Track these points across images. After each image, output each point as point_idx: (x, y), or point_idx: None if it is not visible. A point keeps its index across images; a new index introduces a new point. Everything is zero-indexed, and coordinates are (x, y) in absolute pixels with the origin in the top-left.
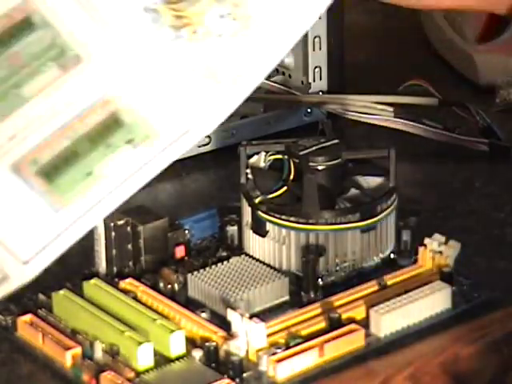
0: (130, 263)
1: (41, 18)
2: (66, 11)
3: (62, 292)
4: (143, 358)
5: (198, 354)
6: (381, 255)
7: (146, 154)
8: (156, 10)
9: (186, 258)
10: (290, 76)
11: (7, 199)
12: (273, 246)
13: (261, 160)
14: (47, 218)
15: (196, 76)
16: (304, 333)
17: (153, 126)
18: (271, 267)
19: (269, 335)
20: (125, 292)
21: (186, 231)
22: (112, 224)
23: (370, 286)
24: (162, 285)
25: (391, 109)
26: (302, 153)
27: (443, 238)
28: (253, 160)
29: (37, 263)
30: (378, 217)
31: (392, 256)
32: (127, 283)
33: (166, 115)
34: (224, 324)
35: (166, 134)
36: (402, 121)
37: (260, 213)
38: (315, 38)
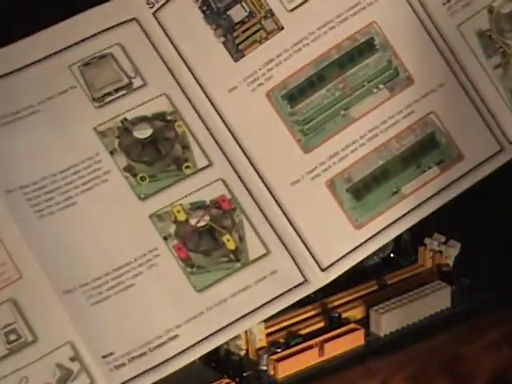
0: None
1: (382, 40)
2: (403, 33)
3: None
4: None
5: None
6: (381, 255)
7: (452, 177)
8: (489, 37)
9: None
10: None
11: (318, 211)
12: None
13: None
14: (349, 232)
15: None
16: (304, 332)
17: (461, 148)
18: None
19: (269, 335)
20: None
21: None
22: None
23: (370, 286)
24: None
25: None
26: None
27: (443, 238)
28: None
29: (333, 271)
30: None
31: (392, 256)
32: None
33: (473, 138)
34: None
35: (472, 156)
36: None
37: None
38: None
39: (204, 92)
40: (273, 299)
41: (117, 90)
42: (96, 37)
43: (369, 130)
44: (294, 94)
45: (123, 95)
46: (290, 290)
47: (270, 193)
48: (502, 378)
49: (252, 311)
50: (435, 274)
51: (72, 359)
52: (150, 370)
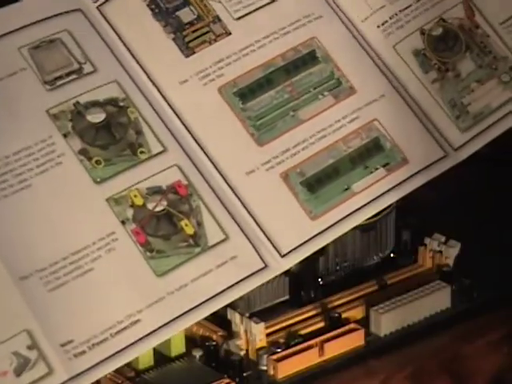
0: None
1: (323, 53)
2: (345, 49)
3: None
4: (143, 358)
5: (198, 353)
6: (381, 255)
7: (398, 178)
8: (424, 55)
9: None
10: None
11: (275, 201)
12: None
13: None
14: (305, 222)
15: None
16: (304, 332)
17: (405, 153)
18: None
19: (269, 335)
20: None
21: None
22: None
23: (370, 286)
24: None
25: None
26: None
27: (443, 238)
28: None
29: (292, 257)
30: (378, 217)
31: (392, 256)
32: None
33: (416, 145)
34: (224, 323)
35: (417, 161)
36: None
37: None
38: None
39: (154, 83)
40: (234, 284)
41: (68, 75)
42: (44, 21)
43: (317, 131)
44: (245, 93)
45: (74, 79)
46: (251, 275)
47: (226, 181)
48: (502, 378)
49: (214, 296)
50: (435, 274)
51: (29, 347)
52: (111, 356)
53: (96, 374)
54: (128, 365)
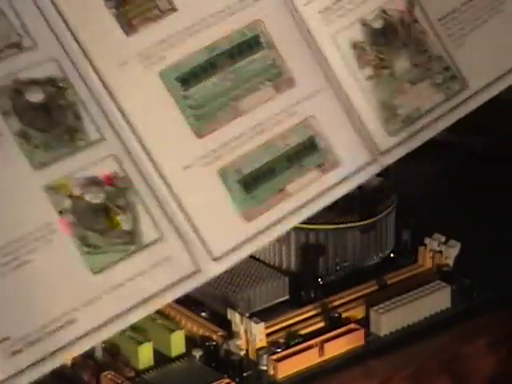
0: None
1: (267, 39)
2: (288, 36)
3: None
4: (143, 358)
5: (198, 353)
6: (381, 255)
7: (330, 181)
8: (362, 48)
9: None
10: None
11: (210, 200)
12: (273, 245)
13: None
14: (240, 223)
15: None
16: (304, 332)
17: (337, 154)
18: (271, 267)
19: (269, 335)
20: None
21: None
22: None
23: (370, 286)
24: None
25: None
26: None
27: (443, 238)
28: None
29: (225, 261)
30: (378, 216)
31: (392, 256)
32: None
33: (347, 146)
34: (224, 323)
35: (348, 164)
36: None
37: None
38: None
39: (92, 64)
40: (168, 287)
41: (7, 47)
42: None
43: (256, 125)
44: (187, 78)
45: (14, 54)
46: (183, 278)
47: (161, 175)
48: (501, 378)
49: (148, 298)
50: (435, 274)
51: None
52: (47, 356)
53: (32, 375)
54: (128, 365)
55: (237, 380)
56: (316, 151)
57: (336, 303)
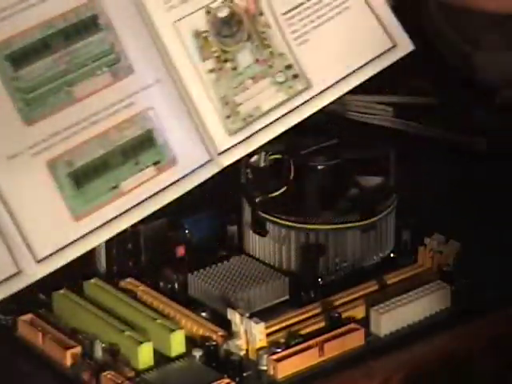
0: (130, 263)
1: (106, 20)
2: (127, 19)
3: (62, 291)
4: (143, 358)
5: (198, 353)
6: (381, 255)
7: (166, 180)
8: (206, 39)
9: (186, 257)
10: None
11: (36, 194)
12: (273, 245)
13: (261, 160)
14: (68, 222)
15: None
16: (304, 332)
17: (175, 151)
18: (271, 267)
19: (269, 335)
20: (125, 291)
21: (186, 231)
22: None
23: (370, 286)
24: (162, 284)
25: (391, 109)
26: (301, 152)
27: (443, 238)
28: (253, 160)
29: (49, 264)
30: (378, 216)
31: (392, 255)
32: (127, 283)
33: (185, 144)
34: (224, 323)
35: (185, 163)
36: (402, 120)
37: (260, 212)
38: None
39: None
40: None
41: None
42: None
43: (91, 114)
44: (18, 57)
45: None
46: (4, 281)
47: None
48: (501, 378)
49: None
50: (435, 274)
51: None
52: None
53: None
54: (128, 365)
55: (237, 380)
56: (153, 147)
57: (336, 303)
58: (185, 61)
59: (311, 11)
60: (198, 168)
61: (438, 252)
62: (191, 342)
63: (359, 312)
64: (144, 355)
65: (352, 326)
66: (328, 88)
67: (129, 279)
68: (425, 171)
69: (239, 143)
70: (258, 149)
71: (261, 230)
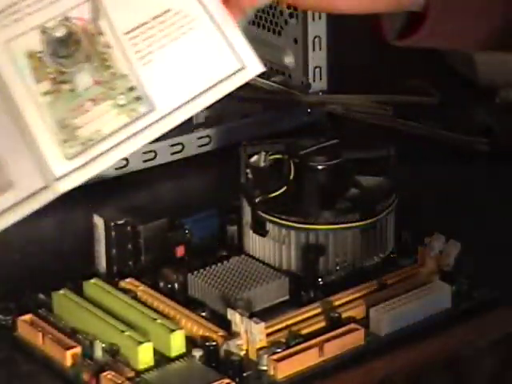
0: (130, 263)
1: None
2: None
3: (61, 292)
4: (143, 358)
5: (198, 353)
6: (381, 255)
7: (4, 204)
8: (40, 59)
9: (186, 257)
10: (290, 76)
11: None
12: (273, 245)
13: (261, 160)
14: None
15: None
16: (304, 332)
17: (12, 176)
18: (271, 267)
19: (269, 335)
20: (125, 292)
21: (186, 231)
22: (112, 224)
23: (370, 286)
24: (162, 284)
25: (391, 109)
26: (301, 152)
27: (443, 238)
28: (253, 160)
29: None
30: (378, 217)
31: (392, 256)
32: (127, 283)
33: (24, 168)
34: (224, 323)
35: (23, 187)
36: (402, 120)
37: (260, 212)
38: (315, 38)
39: None
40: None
41: None
42: None
43: None
44: None
45: None
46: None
47: None
48: (501, 378)
49: None
50: (435, 274)
51: None
52: None
53: None
54: (128, 365)
55: (237, 380)
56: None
57: (336, 303)
58: (17, 82)
59: (155, 31)
60: (33, 193)
61: (438, 252)
62: (191, 342)
63: (359, 312)
64: (144, 355)
65: (352, 326)
66: (173, 111)
67: (129, 279)
68: (425, 171)
69: (78, 168)
70: (257, 149)
71: (261, 230)
